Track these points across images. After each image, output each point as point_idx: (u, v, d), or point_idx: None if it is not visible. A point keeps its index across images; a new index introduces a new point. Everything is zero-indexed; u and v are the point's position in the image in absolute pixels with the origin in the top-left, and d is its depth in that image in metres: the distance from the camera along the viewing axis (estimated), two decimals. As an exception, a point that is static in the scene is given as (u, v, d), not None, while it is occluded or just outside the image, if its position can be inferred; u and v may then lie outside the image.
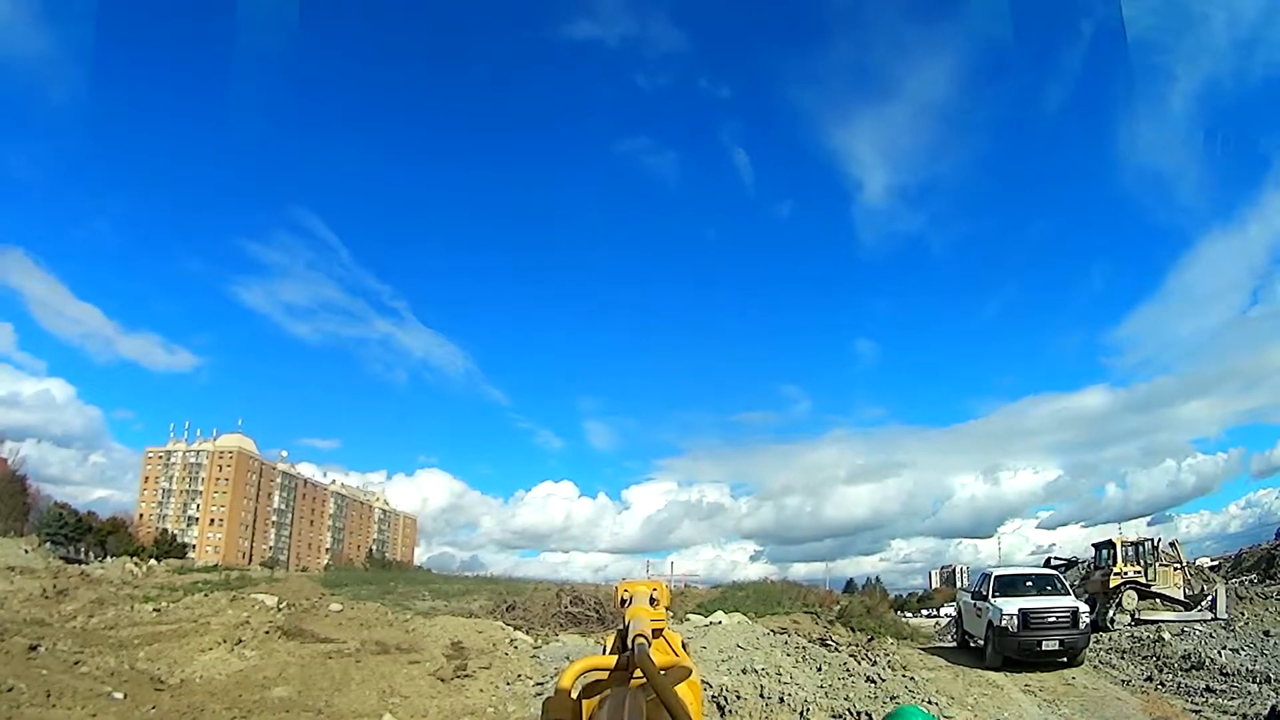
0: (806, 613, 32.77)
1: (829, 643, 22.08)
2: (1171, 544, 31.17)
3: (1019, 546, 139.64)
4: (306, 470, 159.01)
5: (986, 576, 22.29)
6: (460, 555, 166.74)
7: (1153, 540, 30.72)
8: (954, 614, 30.54)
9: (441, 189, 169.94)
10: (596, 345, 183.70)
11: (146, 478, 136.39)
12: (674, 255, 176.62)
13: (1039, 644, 18.84)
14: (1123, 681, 17.67)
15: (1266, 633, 21.43)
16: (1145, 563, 29.18)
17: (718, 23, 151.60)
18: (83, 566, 43.94)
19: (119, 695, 13.00)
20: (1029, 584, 21.35)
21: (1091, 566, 32.67)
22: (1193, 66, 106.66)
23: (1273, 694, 14.38)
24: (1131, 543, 30.52)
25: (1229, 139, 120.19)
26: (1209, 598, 26.25)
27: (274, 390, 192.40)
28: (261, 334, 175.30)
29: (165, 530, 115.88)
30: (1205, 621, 24.38)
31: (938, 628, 42.29)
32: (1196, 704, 14.56)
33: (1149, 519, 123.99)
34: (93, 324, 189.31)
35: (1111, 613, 26.33)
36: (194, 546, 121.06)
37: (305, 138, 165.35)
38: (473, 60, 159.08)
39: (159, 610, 22.78)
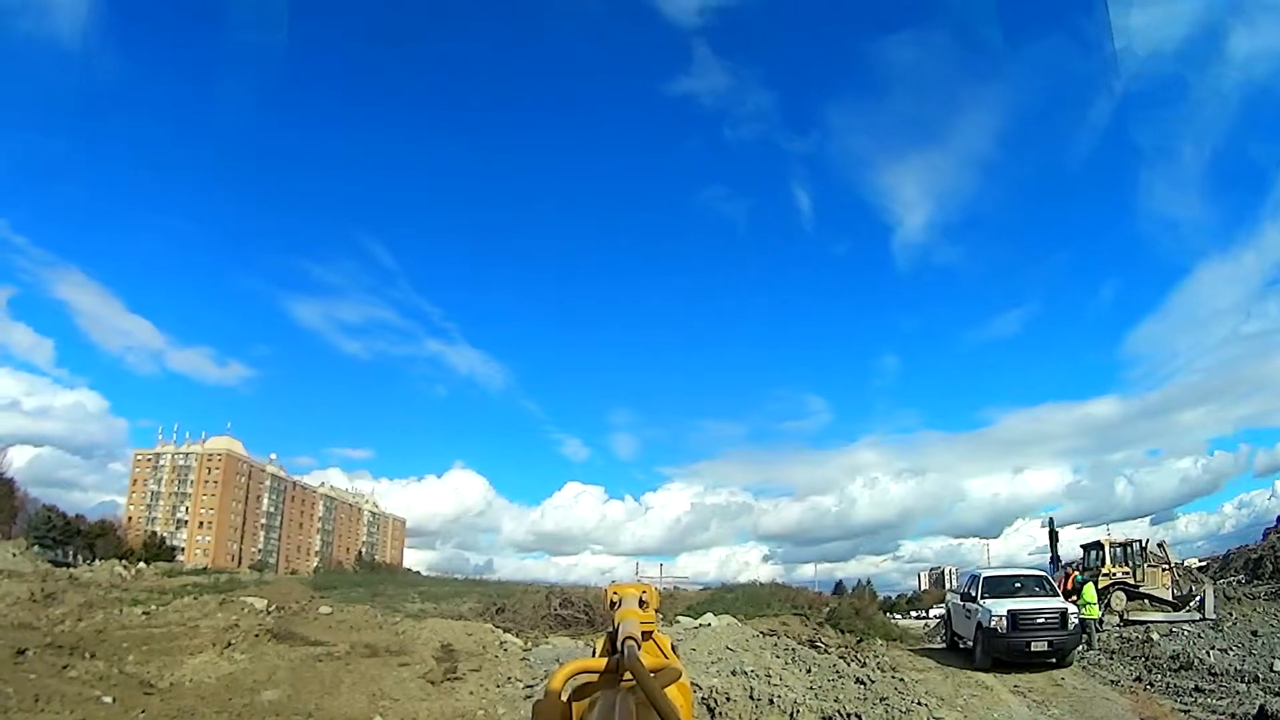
0: (796, 614, 32.85)
1: (818, 644, 22.14)
2: (1160, 545, 31.37)
3: (1025, 546, 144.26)
4: (334, 478, 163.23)
5: (975, 578, 22.32)
6: (475, 559, 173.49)
7: (1141, 542, 30.89)
8: (943, 615, 30.64)
9: (509, 223, 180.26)
10: (631, 358, 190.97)
11: (135, 480, 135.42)
12: (714, 281, 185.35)
13: (1028, 645, 18.88)
14: (1112, 682, 17.74)
15: (1254, 633, 21.58)
16: (1134, 564, 29.34)
17: (800, 82, 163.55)
18: (71, 570, 43.74)
19: (108, 699, 12.93)
20: (1018, 585, 21.36)
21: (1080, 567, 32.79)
22: (1196, 121, 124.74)
23: (1261, 693, 14.44)
24: (1119, 544, 30.65)
25: (1223, 181, 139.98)
26: (1197, 598, 26.40)
27: (317, 403, 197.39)
28: (313, 350, 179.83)
29: (154, 533, 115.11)
30: (1193, 622, 24.52)
31: (926, 629, 42.39)
32: (1185, 704, 14.63)
33: (1151, 518, 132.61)
34: (143, 337, 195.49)
35: (1100, 613, 26.44)
36: (183, 549, 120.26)
37: (377, 165, 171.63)
38: (570, 109, 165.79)
39: (148, 614, 22.66)
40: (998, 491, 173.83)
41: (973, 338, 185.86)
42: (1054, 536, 32.98)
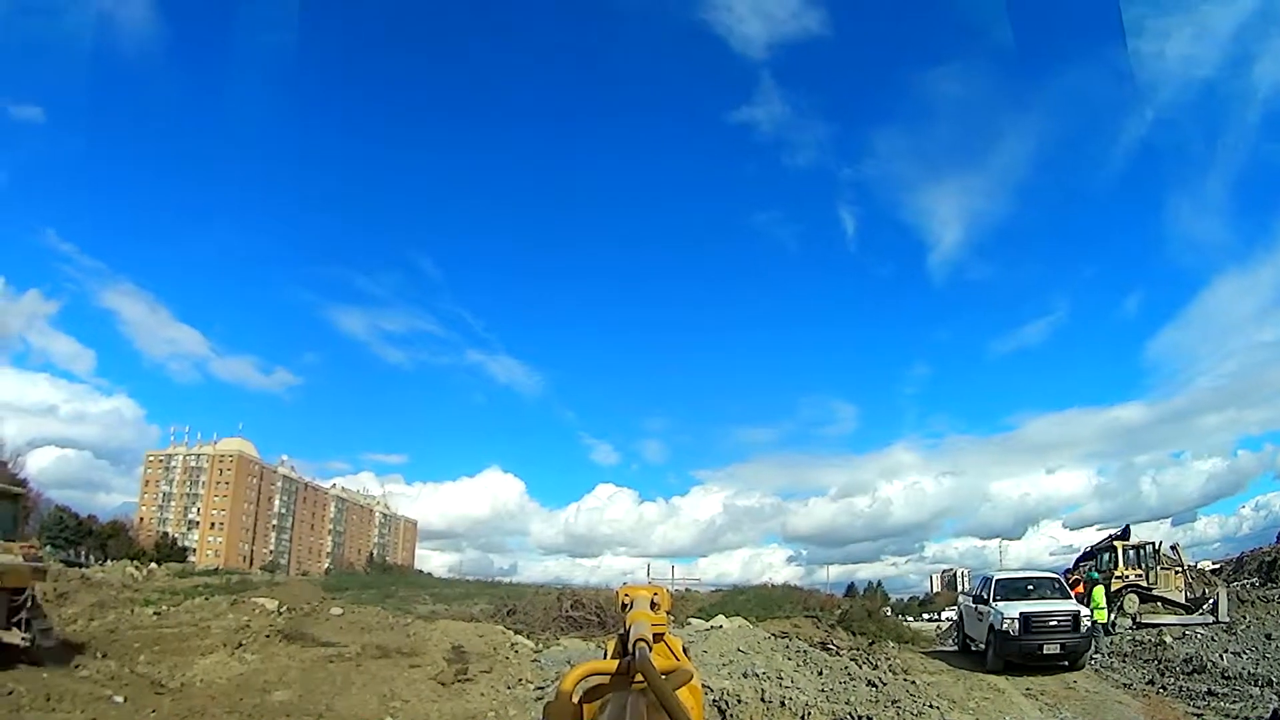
0: (808, 616, 32.75)
1: (830, 646, 22.06)
2: (1173, 547, 31.10)
3: (1047, 546, 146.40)
4: (366, 481, 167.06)
5: (987, 580, 22.24)
6: (499, 561, 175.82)
7: (1154, 544, 30.64)
8: (955, 617, 30.47)
9: (555, 238, 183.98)
10: (665, 367, 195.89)
11: (147, 481, 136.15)
12: (746, 292, 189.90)
13: (1040, 647, 18.77)
14: (1124, 685, 17.62)
15: (1268, 636, 21.36)
16: (1146, 566, 29.11)
17: (852, 112, 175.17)
18: (83, 570, 43.84)
19: (119, 699, 13.00)
20: (1030, 587, 21.26)
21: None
22: (1215, 142, 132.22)
23: (1275, 697, 14.31)
24: (1132, 546, 30.39)
25: (1241, 197, 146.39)
26: (1210, 601, 26.14)
27: (358, 411, 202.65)
28: (357, 360, 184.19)
29: (166, 534, 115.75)
30: (1207, 625, 24.29)
31: (938, 631, 42.22)
32: (1198, 707, 14.52)
33: (1171, 519, 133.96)
34: (189, 345, 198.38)
35: (1112, 616, 26.25)
36: (194, 550, 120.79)
37: (428, 179, 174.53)
38: (630, 132, 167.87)
39: (159, 614, 22.82)
40: (1026, 492, 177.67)
41: (1002, 346, 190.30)
42: None
